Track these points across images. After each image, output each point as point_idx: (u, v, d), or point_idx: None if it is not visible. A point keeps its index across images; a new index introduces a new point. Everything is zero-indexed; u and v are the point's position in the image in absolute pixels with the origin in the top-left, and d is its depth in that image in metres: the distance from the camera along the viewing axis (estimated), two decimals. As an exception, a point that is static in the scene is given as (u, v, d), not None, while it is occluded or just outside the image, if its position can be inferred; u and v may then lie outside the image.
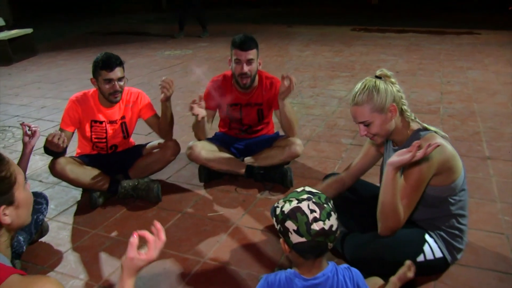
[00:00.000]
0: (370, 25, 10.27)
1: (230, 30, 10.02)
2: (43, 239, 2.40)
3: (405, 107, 1.87)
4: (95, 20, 14.55)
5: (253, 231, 2.41)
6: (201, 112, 2.60)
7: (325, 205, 1.32)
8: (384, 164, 1.95)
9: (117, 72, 2.63)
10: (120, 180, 2.78)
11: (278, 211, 1.34)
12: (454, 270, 2.00)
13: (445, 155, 1.77)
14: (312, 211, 1.30)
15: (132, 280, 1.28)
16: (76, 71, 6.83)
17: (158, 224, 1.34)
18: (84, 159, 2.81)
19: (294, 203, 1.32)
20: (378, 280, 1.71)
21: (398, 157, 1.64)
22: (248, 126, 3.06)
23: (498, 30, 9.07)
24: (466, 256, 2.07)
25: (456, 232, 1.91)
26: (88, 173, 2.67)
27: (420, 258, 1.83)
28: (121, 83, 2.68)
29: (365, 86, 1.81)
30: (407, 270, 1.68)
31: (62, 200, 2.84)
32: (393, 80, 1.86)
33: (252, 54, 2.75)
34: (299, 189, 1.38)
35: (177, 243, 2.32)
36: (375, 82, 1.81)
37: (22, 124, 2.35)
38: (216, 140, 3.09)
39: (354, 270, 1.42)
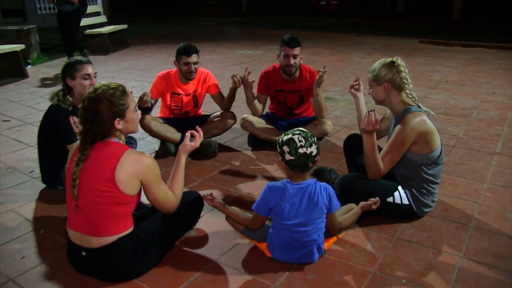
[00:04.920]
0: (441, 38, 10.56)
1: (301, 36, 10.81)
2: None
3: (407, 91, 2.53)
4: (178, 21, 16.00)
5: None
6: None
7: (309, 139, 2.07)
8: (390, 129, 2.65)
9: (194, 58, 3.54)
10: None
11: (279, 140, 2.11)
12: (424, 219, 2.63)
13: (425, 127, 2.44)
14: (299, 141, 2.05)
15: (184, 157, 2.16)
16: (160, 62, 7.98)
17: (198, 128, 2.24)
18: (164, 121, 3.74)
19: (290, 135, 2.08)
20: (353, 205, 2.42)
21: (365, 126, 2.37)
22: (291, 108, 3.84)
23: None
24: (437, 211, 2.71)
25: (424, 191, 2.55)
26: (166, 129, 3.60)
27: (390, 199, 2.51)
28: (196, 66, 3.58)
29: (378, 62, 2.54)
30: (372, 203, 2.38)
31: (144, 149, 3.80)
32: (401, 68, 2.51)
33: (297, 50, 3.55)
34: (295, 128, 2.14)
35: (223, 181, 3.16)
36: (384, 63, 2.50)
37: None
38: (266, 117, 3.90)
39: (328, 186, 2.15)
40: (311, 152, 2.05)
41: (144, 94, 3.31)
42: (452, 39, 10.46)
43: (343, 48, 9.34)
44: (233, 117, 3.81)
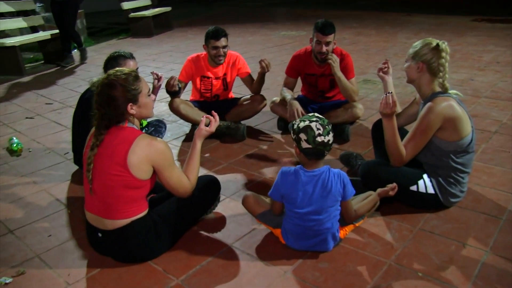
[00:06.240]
0: (498, 15, 9.89)
1: (348, 16, 10.57)
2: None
3: (440, 80, 2.39)
4: (225, 2, 15.97)
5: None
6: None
7: (326, 126, 2.01)
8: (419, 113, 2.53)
9: (222, 42, 3.52)
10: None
11: (295, 126, 2.07)
12: (451, 209, 2.50)
13: (452, 113, 2.30)
14: (317, 129, 2.00)
15: (200, 142, 2.18)
16: (201, 44, 7.99)
17: (214, 113, 2.22)
18: (195, 104, 3.77)
19: (307, 122, 2.03)
20: (371, 193, 2.34)
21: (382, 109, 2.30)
22: (322, 91, 3.75)
23: None
24: (466, 202, 2.57)
25: (452, 180, 2.42)
26: (195, 112, 3.63)
27: (413, 187, 2.41)
28: (225, 50, 3.57)
29: (423, 39, 2.42)
30: (389, 189, 2.29)
31: (176, 132, 3.87)
32: (443, 54, 2.37)
33: (330, 37, 3.42)
34: (310, 114, 2.09)
35: (248, 165, 3.16)
36: (429, 43, 2.37)
37: (152, 72, 3.33)
38: (297, 100, 3.82)
39: (343, 173, 2.09)
40: (329, 140, 2.00)
41: (172, 78, 3.35)
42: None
43: (389, 28, 8.98)
44: (263, 100, 3.78)
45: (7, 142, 3.64)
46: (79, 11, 8.04)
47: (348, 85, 3.44)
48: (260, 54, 7.05)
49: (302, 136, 2.02)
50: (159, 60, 6.95)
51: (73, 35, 6.86)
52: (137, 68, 2.95)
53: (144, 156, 1.93)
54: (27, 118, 4.39)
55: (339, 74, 3.38)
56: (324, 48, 3.42)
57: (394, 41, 7.65)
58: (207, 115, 2.24)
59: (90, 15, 10.17)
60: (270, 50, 7.33)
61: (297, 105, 3.42)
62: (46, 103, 4.87)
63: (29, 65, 6.93)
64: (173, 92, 3.48)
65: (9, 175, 3.15)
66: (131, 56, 2.90)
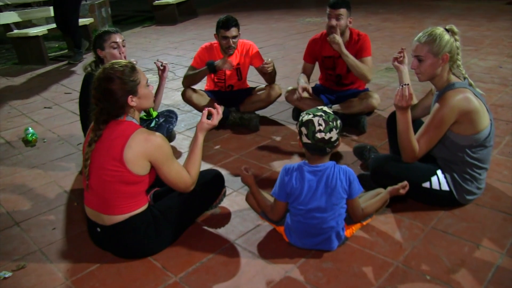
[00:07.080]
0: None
1: (375, 1, 10.23)
2: (170, 144, 3.36)
3: (459, 62, 2.26)
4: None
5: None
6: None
7: (330, 123, 1.90)
8: (432, 106, 2.39)
9: (232, 32, 3.43)
10: (231, 110, 3.63)
11: (300, 118, 1.98)
12: (467, 207, 2.37)
13: (468, 106, 2.16)
14: (319, 124, 1.90)
15: (202, 135, 2.13)
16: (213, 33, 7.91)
17: (217, 105, 2.15)
18: (209, 94, 3.71)
19: (310, 116, 1.93)
20: (381, 190, 2.22)
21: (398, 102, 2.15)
22: (339, 76, 3.61)
23: None
24: (485, 199, 2.43)
25: (468, 177, 2.28)
26: (207, 102, 3.57)
27: (426, 184, 2.28)
28: (235, 40, 3.47)
29: (433, 30, 2.22)
30: (400, 187, 2.16)
31: (190, 122, 3.83)
32: (457, 37, 2.24)
33: (341, 11, 3.29)
34: (319, 107, 1.98)
35: (259, 157, 3.09)
36: (442, 31, 2.22)
37: (156, 62, 3.27)
38: (314, 89, 3.71)
39: (349, 169, 2.00)
40: (330, 137, 1.90)
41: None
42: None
43: (417, 13, 8.65)
44: (278, 89, 3.68)
45: (23, 133, 3.68)
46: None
47: (357, 62, 3.30)
48: (283, 41, 6.93)
49: (303, 130, 1.93)
50: (181, 48, 6.91)
51: (74, 32, 6.36)
52: (124, 40, 2.92)
53: (140, 151, 1.89)
54: (45, 108, 4.44)
55: (345, 51, 3.25)
56: (334, 22, 3.28)
57: (421, 27, 7.27)
58: (209, 108, 2.17)
59: (116, 3, 10.23)
60: (293, 37, 7.18)
61: (302, 84, 3.33)
62: (65, 93, 4.91)
63: (53, 54, 7.02)
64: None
65: (21, 166, 3.19)
66: (115, 31, 2.91)
